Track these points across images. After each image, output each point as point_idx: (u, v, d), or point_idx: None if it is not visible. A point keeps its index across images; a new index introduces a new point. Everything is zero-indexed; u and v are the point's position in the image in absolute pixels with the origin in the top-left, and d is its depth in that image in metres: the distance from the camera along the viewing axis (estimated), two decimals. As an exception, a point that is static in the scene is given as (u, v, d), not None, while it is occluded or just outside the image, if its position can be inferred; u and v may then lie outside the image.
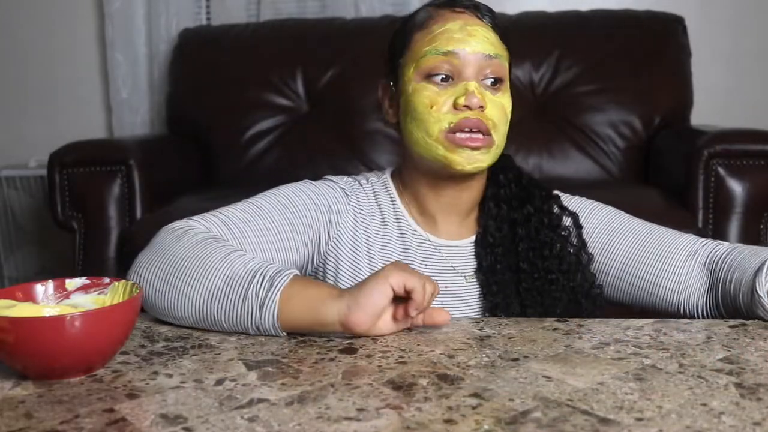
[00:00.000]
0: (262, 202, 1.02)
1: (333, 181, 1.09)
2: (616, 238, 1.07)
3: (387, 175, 1.12)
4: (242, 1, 2.77)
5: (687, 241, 1.05)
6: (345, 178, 1.11)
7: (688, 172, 1.85)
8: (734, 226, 1.82)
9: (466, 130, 0.97)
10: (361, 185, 1.10)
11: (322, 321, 0.84)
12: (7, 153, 2.78)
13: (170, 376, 0.77)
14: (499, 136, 1.00)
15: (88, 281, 0.87)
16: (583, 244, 1.08)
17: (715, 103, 2.51)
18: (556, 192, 1.12)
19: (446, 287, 1.05)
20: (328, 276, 1.07)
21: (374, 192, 1.09)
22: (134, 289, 0.83)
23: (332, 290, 0.85)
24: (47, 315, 0.81)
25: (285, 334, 0.86)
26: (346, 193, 1.07)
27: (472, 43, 0.98)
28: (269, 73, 2.45)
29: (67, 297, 0.86)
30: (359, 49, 2.35)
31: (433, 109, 0.98)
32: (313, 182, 1.08)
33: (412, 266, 0.90)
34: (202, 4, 2.84)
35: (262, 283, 0.85)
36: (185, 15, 2.72)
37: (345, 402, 0.69)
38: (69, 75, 2.82)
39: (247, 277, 0.86)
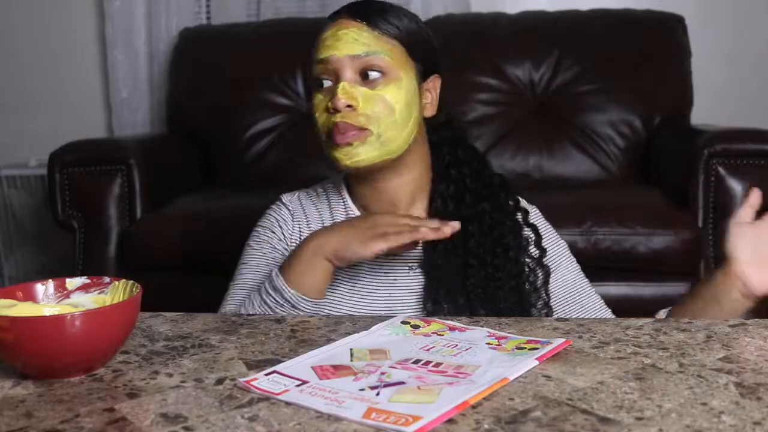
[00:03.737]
0: (256, 253, 1.16)
1: (281, 202, 1.19)
2: (559, 273, 1.13)
3: (341, 177, 1.18)
4: (242, 1, 2.76)
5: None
6: (297, 193, 1.20)
7: (688, 171, 1.85)
8: (734, 226, 1.82)
9: (336, 133, 1.02)
10: (315, 194, 1.19)
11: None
12: (7, 152, 2.78)
13: (170, 375, 0.77)
14: (383, 127, 1.02)
15: (88, 280, 0.87)
16: (540, 257, 1.11)
17: (715, 102, 2.51)
18: (524, 206, 1.15)
19: (390, 276, 1.10)
20: None
21: (327, 197, 1.18)
22: (134, 289, 0.83)
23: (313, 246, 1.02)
24: (47, 314, 0.81)
25: (304, 296, 1.01)
26: (288, 209, 1.18)
27: (340, 48, 1.03)
28: (269, 72, 2.44)
29: (67, 296, 0.86)
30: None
31: (317, 114, 1.05)
32: (268, 214, 1.20)
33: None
34: (202, 4, 2.84)
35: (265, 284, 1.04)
36: (185, 14, 2.72)
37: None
38: (69, 74, 2.82)
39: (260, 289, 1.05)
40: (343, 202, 1.16)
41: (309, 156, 2.25)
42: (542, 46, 2.38)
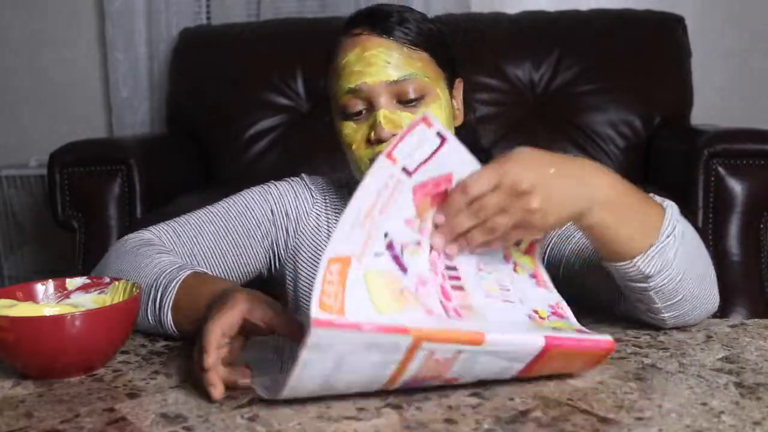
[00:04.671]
0: (220, 209, 1.05)
1: (303, 180, 1.11)
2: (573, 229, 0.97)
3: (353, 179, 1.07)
4: (242, 1, 2.76)
5: None
6: (319, 178, 1.12)
7: (688, 171, 1.85)
8: (734, 226, 1.82)
9: None
10: (337, 185, 1.11)
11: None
12: (7, 152, 2.78)
13: (170, 375, 0.77)
14: None
15: (88, 281, 0.88)
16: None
17: (715, 102, 2.50)
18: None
19: None
20: (288, 281, 1.09)
21: (350, 193, 1.07)
22: (134, 289, 0.83)
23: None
24: (47, 314, 0.81)
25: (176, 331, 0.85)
26: (312, 195, 1.09)
27: (372, 73, 0.93)
28: (269, 72, 2.44)
29: (67, 296, 0.86)
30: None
31: (354, 147, 0.96)
32: (277, 184, 1.09)
33: None
34: (202, 4, 2.83)
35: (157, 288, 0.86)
36: (185, 14, 2.72)
37: (345, 401, 0.69)
38: (69, 74, 2.81)
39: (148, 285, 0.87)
40: None
41: (309, 156, 2.25)
42: (542, 46, 2.38)
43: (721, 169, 1.82)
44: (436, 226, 0.72)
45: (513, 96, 2.34)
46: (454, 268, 0.74)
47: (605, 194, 0.75)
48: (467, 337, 0.65)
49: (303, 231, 1.08)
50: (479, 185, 0.70)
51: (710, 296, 0.85)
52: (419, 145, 0.69)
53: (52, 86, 2.82)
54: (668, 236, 0.78)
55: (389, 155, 0.68)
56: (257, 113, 2.42)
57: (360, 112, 0.95)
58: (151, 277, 0.87)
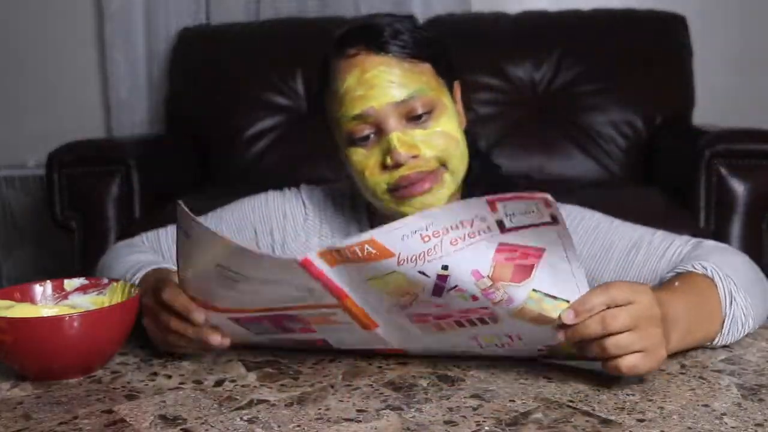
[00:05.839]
0: (210, 223, 1.03)
1: (300, 193, 1.06)
2: (605, 252, 0.95)
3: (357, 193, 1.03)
4: (242, 1, 2.76)
5: (670, 252, 0.92)
6: (317, 190, 1.08)
7: (689, 171, 1.85)
8: (736, 226, 1.82)
9: (405, 185, 0.90)
10: (336, 197, 1.07)
11: None
12: (5, 152, 2.77)
13: (169, 377, 0.77)
14: (455, 162, 0.92)
15: (86, 281, 0.87)
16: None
17: (717, 102, 2.50)
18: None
19: None
20: None
21: (351, 206, 1.05)
22: (133, 290, 0.83)
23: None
24: (45, 315, 0.80)
25: None
26: (305, 212, 1.05)
27: (376, 96, 0.88)
28: (269, 72, 2.44)
29: (65, 297, 0.86)
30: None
31: (367, 173, 0.91)
32: (270, 199, 1.05)
33: None
34: (202, 3, 2.82)
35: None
36: (184, 14, 2.72)
37: (345, 403, 0.68)
38: (68, 74, 2.81)
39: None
40: (358, 224, 1.03)
41: (309, 156, 2.25)
42: (543, 45, 2.38)
43: (722, 169, 1.82)
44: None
45: (514, 96, 2.34)
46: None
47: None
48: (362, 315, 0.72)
49: (289, 250, 1.04)
50: (618, 294, 0.68)
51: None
52: (526, 212, 0.65)
53: (51, 86, 2.82)
54: (731, 303, 0.80)
55: (491, 203, 0.64)
56: (257, 113, 2.42)
57: (368, 137, 0.91)
58: (121, 274, 0.94)
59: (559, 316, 0.67)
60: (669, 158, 2.12)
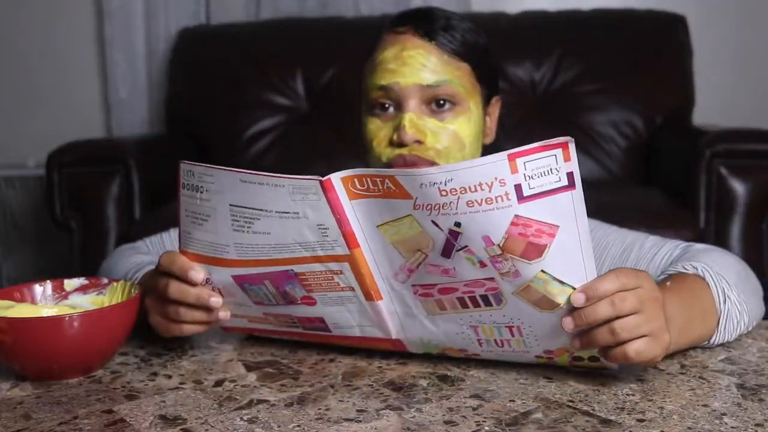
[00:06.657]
0: None
1: None
2: (599, 256, 0.99)
3: None
4: (241, 1, 2.76)
5: (660, 256, 0.93)
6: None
7: (689, 171, 1.85)
8: (736, 226, 1.82)
9: (400, 164, 0.92)
10: None
11: None
12: (5, 152, 2.77)
13: (169, 377, 0.77)
14: (453, 161, 0.92)
15: (86, 282, 0.87)
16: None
17: (717, 102, 2.50)
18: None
19: None
20: None
21: None
22: (133, 290, 0.83)
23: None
24: (45, 315, 0.80)
25: None
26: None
27: (405, 74, 0.91)
28: (269, 72, 2.44)
29: (65, 297, 0.86)
30: (359, 48, 2.34)
31: (374, 143, 0.94)
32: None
33: None
34: (201, 3, 2.82)
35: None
36: (184, 14, 2.72)
37: (345, 403, 0.68)
38: (67, 74, 2.81)
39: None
40: None
41: (309, 156, 2.25)
42: (543, 45, 2.38)
43: (723, 169, 1.82)
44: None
45: (514, 96, 2.34)
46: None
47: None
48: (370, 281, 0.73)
49: None
50: (628, 281, 0.68)
51: (762, 307, 0.88)
52: (545, 173, 0.65)
53: (51, 85, 2.82)
54: (724, 301, 0.80)
55: (512, 160, 0.64)
56: (256, 113, 2.42)
57: (387, 108, 0.93)
58: (122, 274, 0.96)
59: (568, 300, 0.68)
60: (669, 158, 2.12)
